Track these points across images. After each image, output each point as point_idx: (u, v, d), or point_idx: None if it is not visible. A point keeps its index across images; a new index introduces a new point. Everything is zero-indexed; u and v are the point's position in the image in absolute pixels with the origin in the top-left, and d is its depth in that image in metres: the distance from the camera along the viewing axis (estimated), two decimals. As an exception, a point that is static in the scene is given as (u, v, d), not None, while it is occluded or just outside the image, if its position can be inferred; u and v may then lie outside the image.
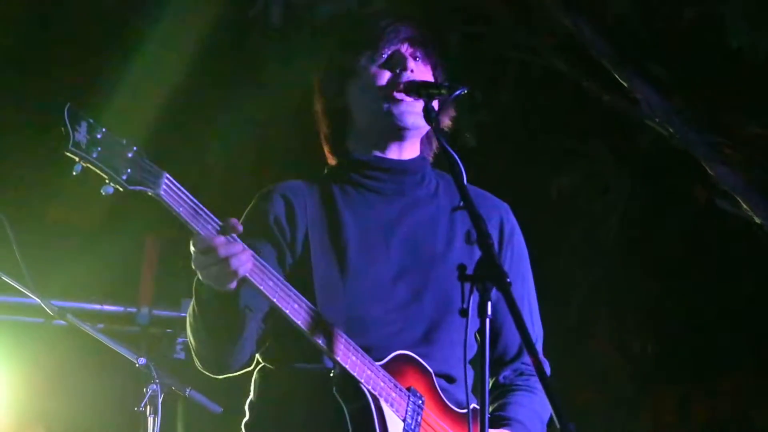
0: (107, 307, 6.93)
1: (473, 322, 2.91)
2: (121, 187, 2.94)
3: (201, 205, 3.05)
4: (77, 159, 2.88)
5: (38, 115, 6.67)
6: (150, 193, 2.98)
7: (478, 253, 2.91)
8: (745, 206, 6.74)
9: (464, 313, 2.89)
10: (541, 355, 3.46)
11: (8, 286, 5.16)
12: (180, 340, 6.80)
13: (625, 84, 6.69)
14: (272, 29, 6.57)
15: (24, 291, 5.08)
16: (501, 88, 7.18)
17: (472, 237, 2.95)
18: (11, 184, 7.01)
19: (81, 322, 5.14)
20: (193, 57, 6.87)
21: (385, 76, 3.41)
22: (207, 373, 3.42)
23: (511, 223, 3.57)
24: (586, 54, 6.75)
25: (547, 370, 3.53)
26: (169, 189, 3.00)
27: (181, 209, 3.01)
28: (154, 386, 4.92)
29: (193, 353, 3.37)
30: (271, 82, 6.72)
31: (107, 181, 2.94)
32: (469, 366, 3.29)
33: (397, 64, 3.41)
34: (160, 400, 4.91)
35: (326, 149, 3.58)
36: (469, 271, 2.89)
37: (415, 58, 3.43)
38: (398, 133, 3.42)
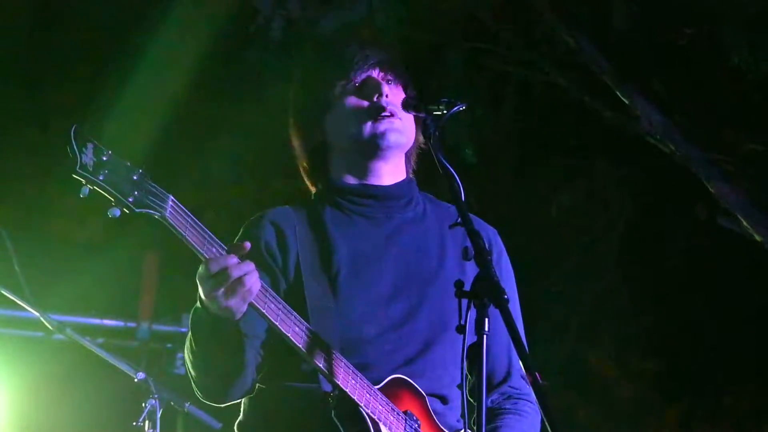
0: (107, 322, 6.93)
1: (469, 338, 2.89)
2: (127, 209, 2.91)
3: (206, 229, 3.03)
4: (84, 182, 2.86)
5: (39, 131, 6.69)
6: (156, 216, 2.96)
7: (470, 271, 2.90)
8: (745, 223, 6.74)
9: (461, 329, 2.87)
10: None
11: (8, 300, 5.16)
12: (180, 355, 6.79)
13: (625, 101, 6.69)
14: (273, 44, 6.58)
15: (23, 305, 5.08)
16: (502, 105, 7.19)
17: (469, 253, 2.93)
18: (12, 198, 7.02)
19: (80, 336, 5.14)
20: (194, 73, 6.88)
21: (362, 104, 3.39)
22: (210, 403, 3.37)
23: (499, 246, 3.55)
24: (587, 71, 6.76)
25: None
26: (174, 212, 2.98)
27: (187, 232, 2.99)
28: (153, 401, 4.91)
29: (194, 384, 3.32)
30: (272, 98, 6.72)
31: (113, 203, 2.91)
32: (459, 391, 3.25)
33: (371, 90, 3.39)
34: (159, 415, 4.90)
35: (308, 183, 3.55)
36: (466, 287, 2.88)
37: (387, 82, 3.41)
38: (380, 153, 3.40)
